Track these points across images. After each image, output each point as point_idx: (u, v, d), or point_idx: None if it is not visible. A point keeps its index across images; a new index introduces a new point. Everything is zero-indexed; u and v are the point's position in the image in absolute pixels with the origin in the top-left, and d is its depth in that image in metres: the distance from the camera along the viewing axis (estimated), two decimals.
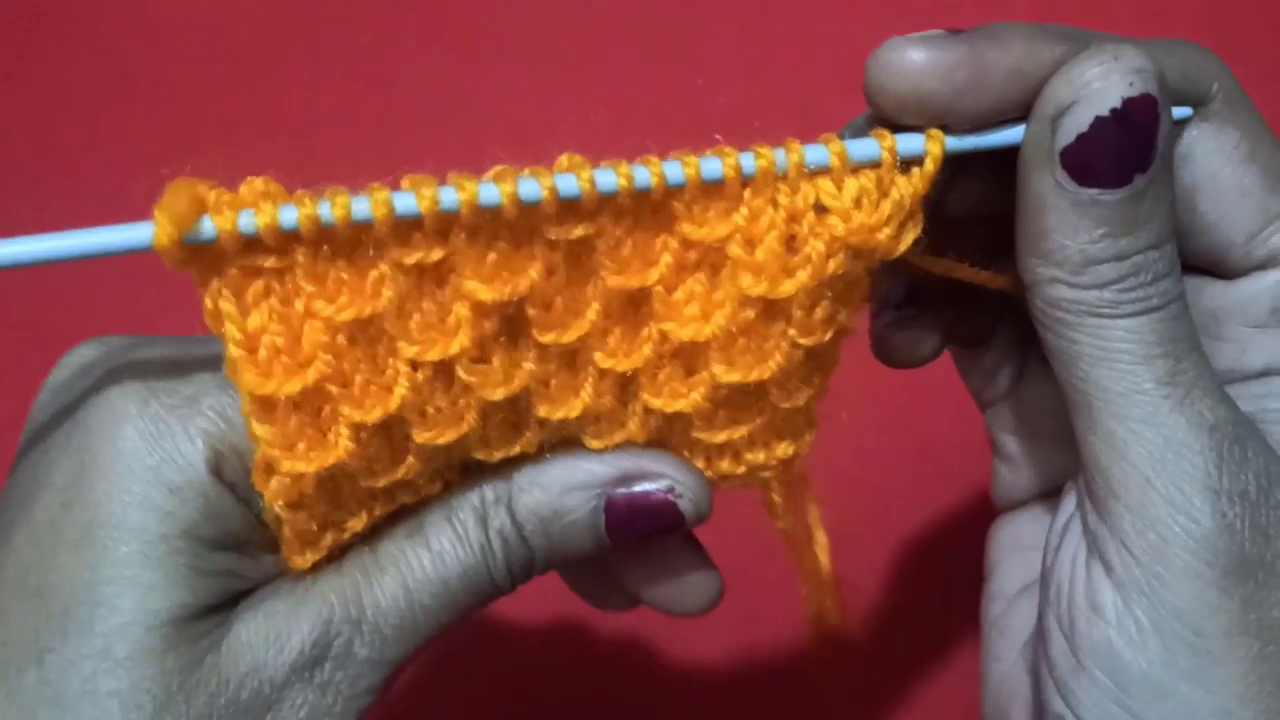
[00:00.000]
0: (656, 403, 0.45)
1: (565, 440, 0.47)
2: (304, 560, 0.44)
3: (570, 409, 0.45)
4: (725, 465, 0.48)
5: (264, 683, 0.42)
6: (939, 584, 0.73)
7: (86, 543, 0.41)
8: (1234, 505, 0.41)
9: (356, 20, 0.96)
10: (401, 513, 0.46)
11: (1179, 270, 0.43)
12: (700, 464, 0.48)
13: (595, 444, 0.46)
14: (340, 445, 0.41)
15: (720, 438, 0.47)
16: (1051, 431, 0.53)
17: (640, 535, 0.47)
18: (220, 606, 0.43)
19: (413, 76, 0.93)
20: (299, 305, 0.40)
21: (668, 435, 0.47)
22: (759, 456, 0.48)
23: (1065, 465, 0.48)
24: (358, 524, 0.45)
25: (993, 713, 0.52)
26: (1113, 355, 0.42)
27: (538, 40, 0.94)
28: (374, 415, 0.41)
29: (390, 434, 0.43)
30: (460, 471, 0.47)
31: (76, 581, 0.41)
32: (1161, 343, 0.42)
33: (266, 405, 0.40)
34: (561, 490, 0.46)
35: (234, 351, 0.40)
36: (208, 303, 0.39)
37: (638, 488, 0.46)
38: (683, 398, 0.45)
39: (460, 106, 0.92)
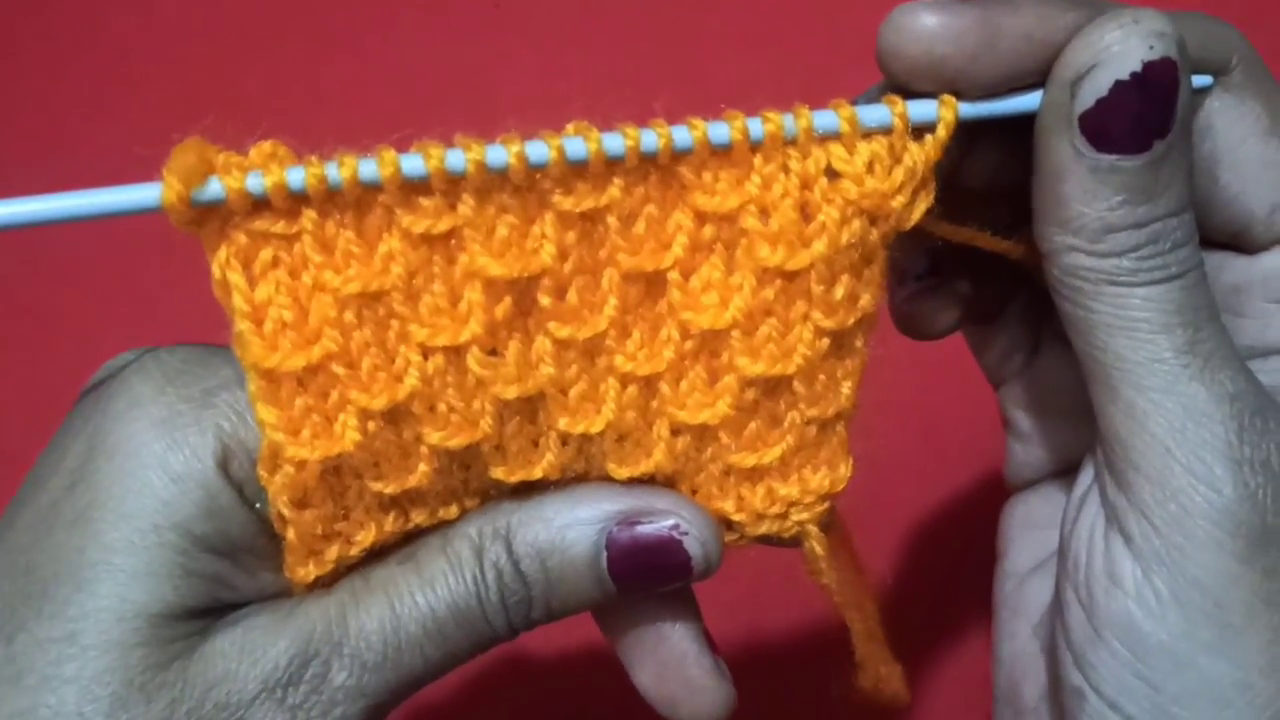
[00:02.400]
0: (682, 415, 0.44)
1: (589, 468, 0.45)
2: (306, 572, 0.43)
3: (591, 422, 0.44)
4: (759, 502, 0.46)
5: (231, 695, 0.40)
6: (944, 562, 0.73)
7: (80, 524, 0.40)
8: (1256, 475, 0.40)
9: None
10: (414, 538, 0.45)
11: (1197, 239, 0.42)
12: (731, 506, 0.47)
13: (620, 471, 0.45)
14: (347, 435, 0.41)
15: (750, 461, 0.45)
16: (1065, 409, 0.53)
17: (644, 576, 0.45)
18: (204, 613, 0.41)
19: (413, 55, 0.93)
20: (307, 279, 0.40)
21: (696, 467, 0.46)
22: (793, 490, 0.46)
23: (1079, 443, 0.48)
24: (365, 537, 0.44)
25: (1006, 691, 0.51)
26: (1131, 324, 0.41)
27: (539, 16, 0.93)
28: (381, 401, 0.41)
29: (400, 431, 0.42)
30: (479, 499, 0.45)
31: (62, 562, 0.40)
32: (1180, 311, 0.41)
33: (272, 385, 0.40)
34: (562, 523, 0.44)
35: (240, 324, 0.39)
36: (215, 272, 0.39)
37: (642, 525, 0.44)
38: (708, 407, 0.44)
39: (462, 85, 0.91)
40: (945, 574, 0.72)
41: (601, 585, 0.44)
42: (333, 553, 0.43)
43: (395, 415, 0.41)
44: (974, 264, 0.52)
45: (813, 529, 0.47)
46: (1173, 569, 0.41)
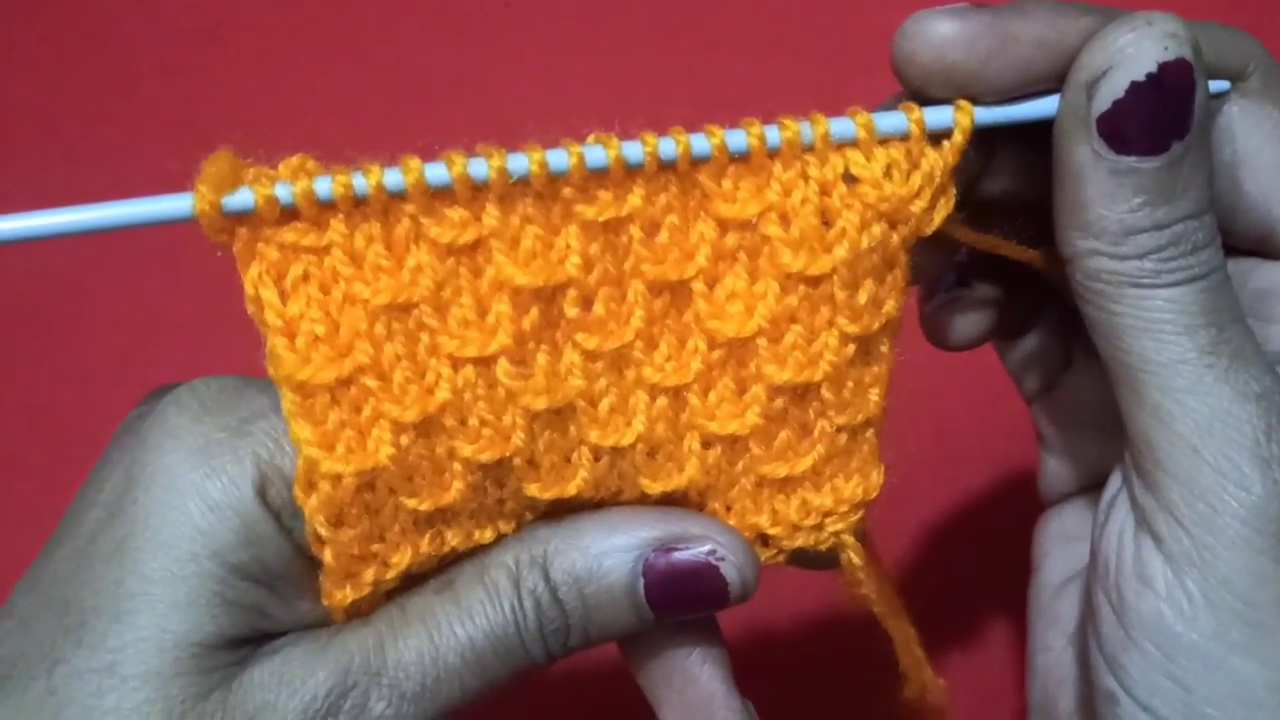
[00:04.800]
0: (712, 426, 0.45)
1: (623, 484, 0.46)
2: (343, 595, 0.43)
3: (622, 435, 0.44)
4: (794, 514, 0.47)
5: None
6: (966, 570, 0.72)
7: (118, 555, 0.41)
8: None
9: (363, 2, 0.96)
10: (449, 564, 0.45)
11: (1219, 241, 0.42)
12: (766, 520, 0.47)
13: (654, 487, 0.45)
14: (380, 449, 0.41)
15: (782, 471, 0.46)
16: (1097, 423, 0.52)
17: (682, 603, 0.45)
18: (243, 643, 0.41)
19: (422, 60, 0.93)
20: (337, 293, 0.40)
21: (730, 480, 0.46)
22: (827, 500, 0.47)
23: (1112, 458, 0.47)
24: (401, 559, 0.44)
25: (1040, 701, 0.51)
26: (1155, 326, 0.41)
27: (548, 21, 0.93)
28: (413, 413, 0.41)
29: (433, 445, 0.42)
30: (514, 522, 0.46)
31: (101, 594, 0.40)
32: (1204, 312, 0.41)
33: (306, 400, 0.40)
34: (598, 551, 0.44)
35: (273, 339, 0.40)
36: (248, 288, 0.40)
37: (679, 551, 0.44)
38: (738, 418, 0.45)
39: (470, 90, 0.91)
40: (967, 581, 0.72)
41: (639, 612, 0.44)
42: (369, 575, 0.43)
43: (428, 429, 0.42)
44: (1003, 277, 0.52)
45: (849, 539, 0.48)
46: (1203, 569, 0.40)
